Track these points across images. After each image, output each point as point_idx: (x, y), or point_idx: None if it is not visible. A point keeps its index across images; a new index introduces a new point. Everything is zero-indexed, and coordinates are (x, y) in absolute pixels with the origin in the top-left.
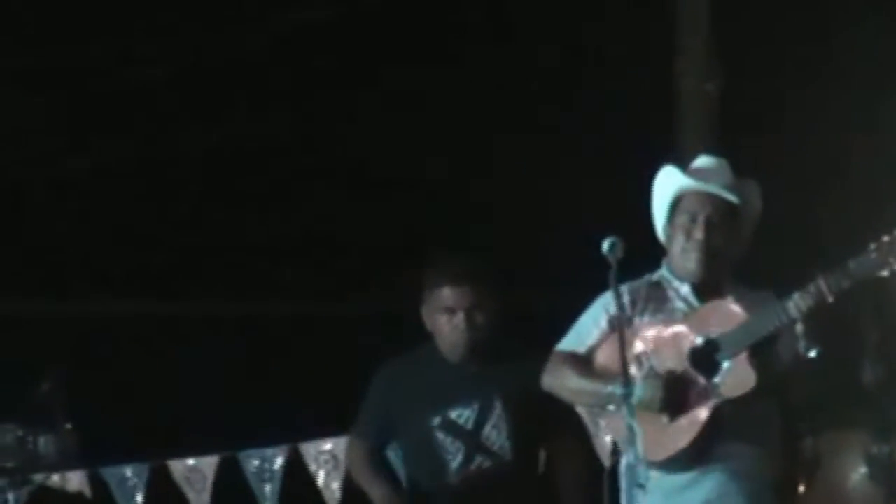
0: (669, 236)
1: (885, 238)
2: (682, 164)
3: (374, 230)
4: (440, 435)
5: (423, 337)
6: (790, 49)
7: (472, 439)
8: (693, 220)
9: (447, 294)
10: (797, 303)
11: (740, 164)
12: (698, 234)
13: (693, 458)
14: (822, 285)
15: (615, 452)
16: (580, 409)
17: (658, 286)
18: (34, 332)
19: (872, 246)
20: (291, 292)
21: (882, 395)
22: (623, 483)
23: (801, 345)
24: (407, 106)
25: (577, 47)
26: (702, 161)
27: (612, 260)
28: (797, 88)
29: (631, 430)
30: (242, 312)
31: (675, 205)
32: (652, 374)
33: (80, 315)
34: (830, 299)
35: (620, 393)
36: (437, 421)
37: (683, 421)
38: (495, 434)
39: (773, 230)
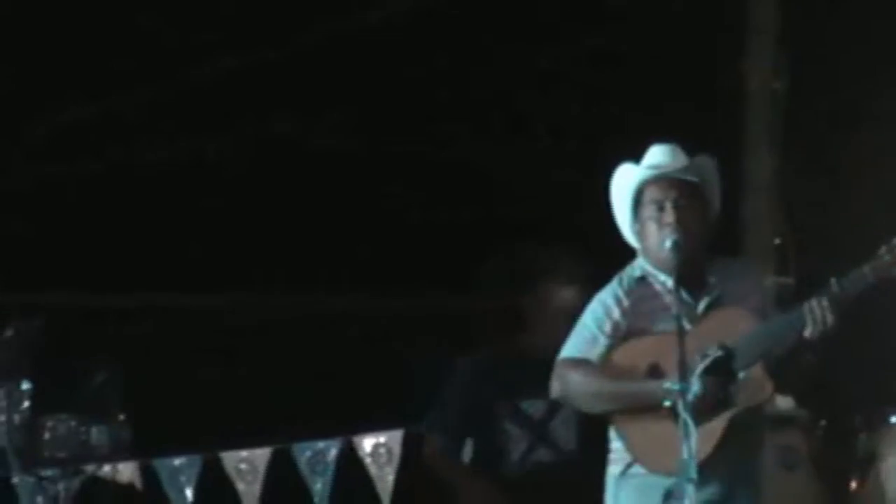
0: (638, 232)
1: (893, 244)
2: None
3: (435, 231)
4: (507, 424)
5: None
6: (860, 47)
7: (538, 431)
8: (660, 207)
9: (566, 295)
10: (813, 309)
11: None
12: (668, 217)
13: (712, 465)
14: (837, 291)
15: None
16: None
17: (645, 281)
18: (90, 323)
19: (883, 249)
20: (345, 287)
21: None
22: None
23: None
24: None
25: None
26: (654, 151)
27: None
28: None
29: (686, 425)
30: (297, 306)
31: (638, 199)
32: (702, 373)
33: (134, 307)
34: (845, 304)
35: (678, 388)
36: (506, 409)
37: (702, 430)
38: (563, 428)
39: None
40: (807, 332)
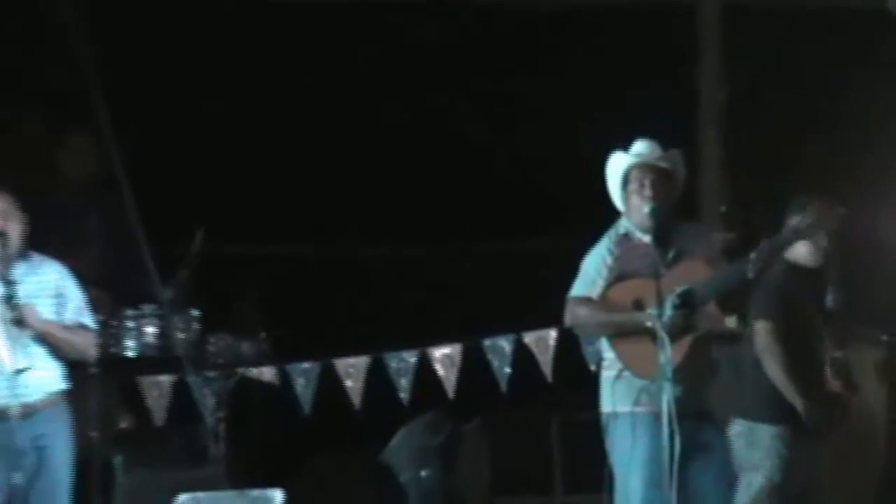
0: (625, 201)
1: (809, 211)
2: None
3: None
4: None
5: None
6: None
7: None
8: (641, 184)
9: None
10: (753, 261)
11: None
12: (647, 192)
13: (681, 370)
14: (770, 247)
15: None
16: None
17: (628, 237)
18: (243, 265)
19: (800, 217)
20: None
21: (840, 314)
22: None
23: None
24: None
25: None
26: (638, 143)
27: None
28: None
29: (662, 341)
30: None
31: (626, 177)
32: (673, 305)
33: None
34: (774, 255)
35: (656, 315)
36: None
37: (673, 346)
38: None
39: None
40: (749, 275)
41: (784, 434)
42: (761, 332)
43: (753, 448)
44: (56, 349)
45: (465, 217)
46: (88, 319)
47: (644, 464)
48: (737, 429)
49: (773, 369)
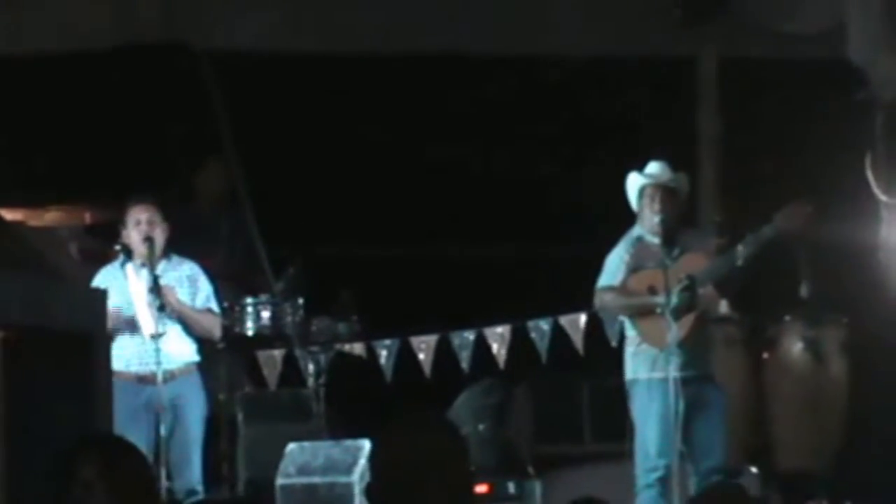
0: (640, 211)
1: (784, 210)
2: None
3: None
4: None
5: None
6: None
7: None
8: (652, 199)
9: None
10: (740, 251)
11: None
12: (657, 206)
13: (686, 342)
14: (753, 239)
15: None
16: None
17: (641, 240)
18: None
19: (777, 216)
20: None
21: (811, 301)
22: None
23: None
24: None
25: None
26: (652, 165)
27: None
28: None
29: (671, 320)
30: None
31: (641, 192)
32: (678, 291)
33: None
34: (758, 248)
35: (665, 300)
36: None
37: (680, 322)
38: None
39: None
40: (738, 263)
41: None
42: None
43: None
44: (189, 327)
45: (519, 227)
46: (215, 306)
47: (658, 419)
48: None
49: None
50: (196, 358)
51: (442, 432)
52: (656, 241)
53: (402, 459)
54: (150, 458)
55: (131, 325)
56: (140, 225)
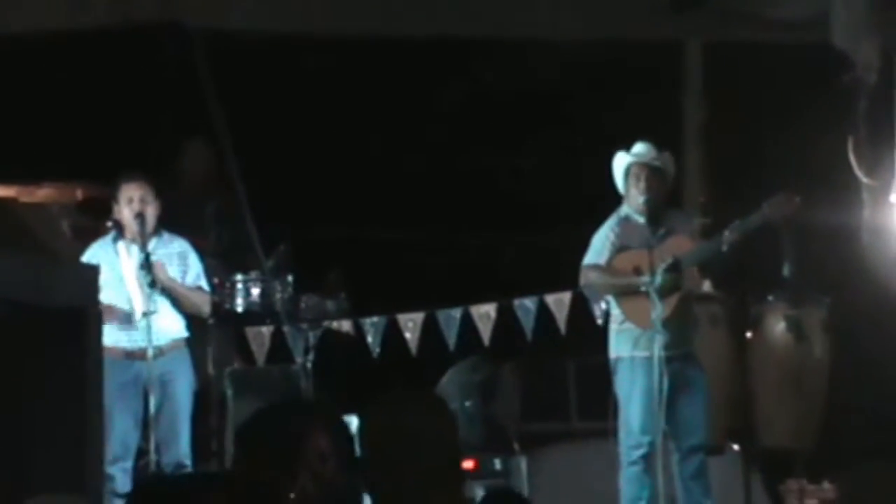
0: (626, 190)
1: (772, 200)
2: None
3: None
4: None
5: None
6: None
7: None
8: (638, 178)
9: None
10: (726, 237)
11: None
12: (643, 185)
13: (670, 321)
14: (740, 226)
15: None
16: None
17: (628, 219)
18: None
19: (764, 205)
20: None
21: (793, 281)
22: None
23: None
24: None
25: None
26: (638, 145)
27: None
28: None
29: (655, 299)
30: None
31: (628, 172)
32: (663, 271)
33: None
34: (744, 235)
35: (650, 280)
36: None
37: (664, 302)
38: None
39: None
40: (723, 248)
41: None
42: None
43: None
44: (179, 303)
45: (503, 213)
46: (205, 284)
47: (641, 397)
48: None
49: None
50: (185, 334)
51: (432, 408)
52: (642, 220)
53: (393, 435)
54: (138, 433)
55: (122, 317)
56: (133, 202)
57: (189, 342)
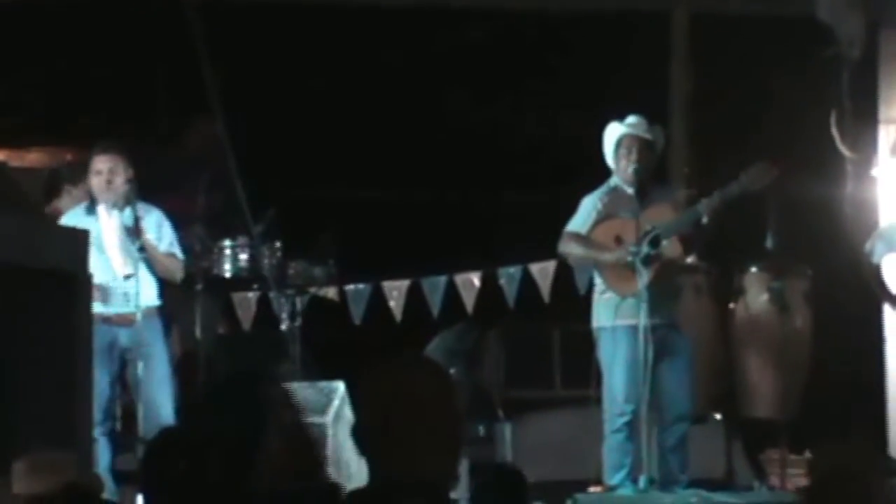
0: (616, 161)
1: (750, 170)
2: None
3: None
4: None
5: None
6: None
7: None
8: (629, 150)
9: None
10: (706, 206)
11: None
12: (633, 156)
13: (652, 289)
14: (719, 195)
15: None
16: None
17: (616, 189)
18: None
19: (742, 175)
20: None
21: (777, 252)
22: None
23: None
24: None
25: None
26: (631, 118)
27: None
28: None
29: (640, 271)
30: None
31: (619, 143)
32: (646, 241)
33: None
34: (723, 205)
35: (634, 249)
36: None
37: (646, 269)
38: None
39: None
40: (703, 220)
41: None
42: None
43: None
44: (155, 268)
45: (489, 172)
46: (179, 252)
47: (624, 365)
48: None
49: None
50: (157, 302)
51: (431, 372)
52: (630, 190)
53: (392, 399)
54: (116, 398)
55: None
56: (101, 175)
57: (161, 310)
